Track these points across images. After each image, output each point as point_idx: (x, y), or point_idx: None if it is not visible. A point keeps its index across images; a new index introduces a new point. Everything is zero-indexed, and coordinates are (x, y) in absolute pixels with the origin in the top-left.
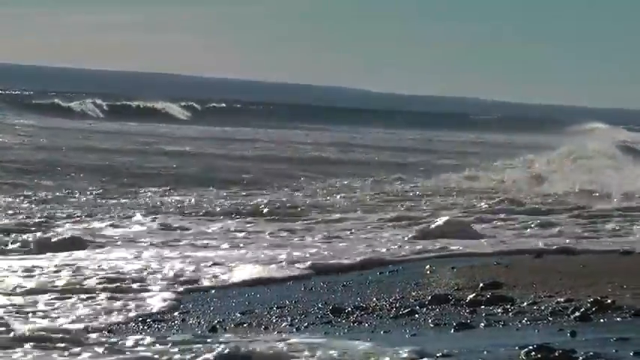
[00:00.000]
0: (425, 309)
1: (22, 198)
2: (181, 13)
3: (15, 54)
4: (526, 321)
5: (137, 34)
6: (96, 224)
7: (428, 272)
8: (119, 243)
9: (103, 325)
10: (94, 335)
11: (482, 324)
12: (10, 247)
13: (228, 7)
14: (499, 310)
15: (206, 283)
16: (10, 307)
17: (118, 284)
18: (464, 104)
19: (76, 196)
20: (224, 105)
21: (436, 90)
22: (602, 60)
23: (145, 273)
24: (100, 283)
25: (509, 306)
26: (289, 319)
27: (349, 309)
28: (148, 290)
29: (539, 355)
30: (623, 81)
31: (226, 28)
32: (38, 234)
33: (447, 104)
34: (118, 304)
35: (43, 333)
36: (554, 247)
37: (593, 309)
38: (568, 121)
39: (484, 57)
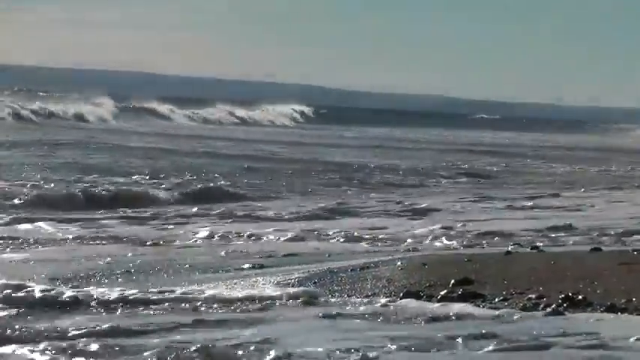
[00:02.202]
0: None
1: None
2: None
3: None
4: None
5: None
6: None
7: (400, 269)
8: None
9: None
10: None
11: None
12: None
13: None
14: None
15: None
16: None
17: None
18: (441, 103)
19: None
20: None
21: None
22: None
23: None
24: None
25: (480, 302)
26: None
27: None
28: None
29: None
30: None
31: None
32: None
33: (424, 103)
34: None
35: None
36: None
37: (565, 305)
38: (588, 122)
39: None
